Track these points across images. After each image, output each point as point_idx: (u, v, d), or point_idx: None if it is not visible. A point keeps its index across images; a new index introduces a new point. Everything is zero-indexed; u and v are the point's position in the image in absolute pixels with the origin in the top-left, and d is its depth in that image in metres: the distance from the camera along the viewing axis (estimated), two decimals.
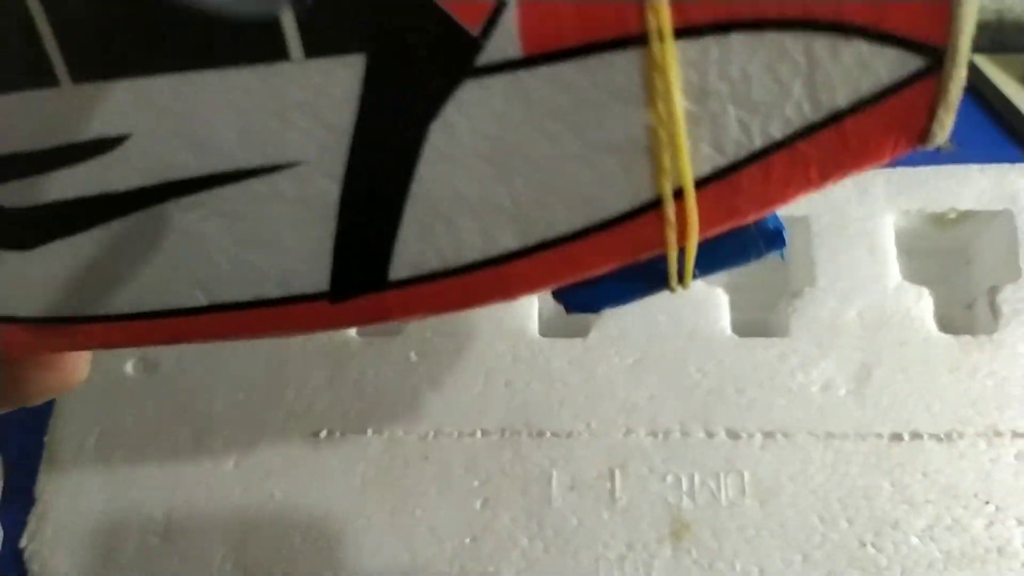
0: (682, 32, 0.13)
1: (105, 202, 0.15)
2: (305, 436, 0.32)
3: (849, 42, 0.14)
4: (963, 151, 0.56)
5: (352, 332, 0.34)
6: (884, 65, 0.14)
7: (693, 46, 0.14)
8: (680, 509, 0.31)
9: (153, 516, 0.32)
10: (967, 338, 0.32)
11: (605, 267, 0.16)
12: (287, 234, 0.15)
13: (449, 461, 0.32)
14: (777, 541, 0.30)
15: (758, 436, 0.31)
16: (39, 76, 0.13)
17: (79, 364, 0.20)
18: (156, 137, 0.14)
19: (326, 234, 0.15)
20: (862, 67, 0.14)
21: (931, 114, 0.14)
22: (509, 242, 0.15)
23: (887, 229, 0.32)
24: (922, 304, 0.32)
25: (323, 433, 0.33)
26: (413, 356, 0.33)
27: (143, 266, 0.15)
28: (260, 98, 0.14)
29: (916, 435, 0.31)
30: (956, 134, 0.46)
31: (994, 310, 0.32)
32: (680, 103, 0.14)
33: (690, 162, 0.14)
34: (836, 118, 0.14)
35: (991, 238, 0.35)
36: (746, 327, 0.33)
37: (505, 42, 0.14)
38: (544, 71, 0.14)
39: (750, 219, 0.16)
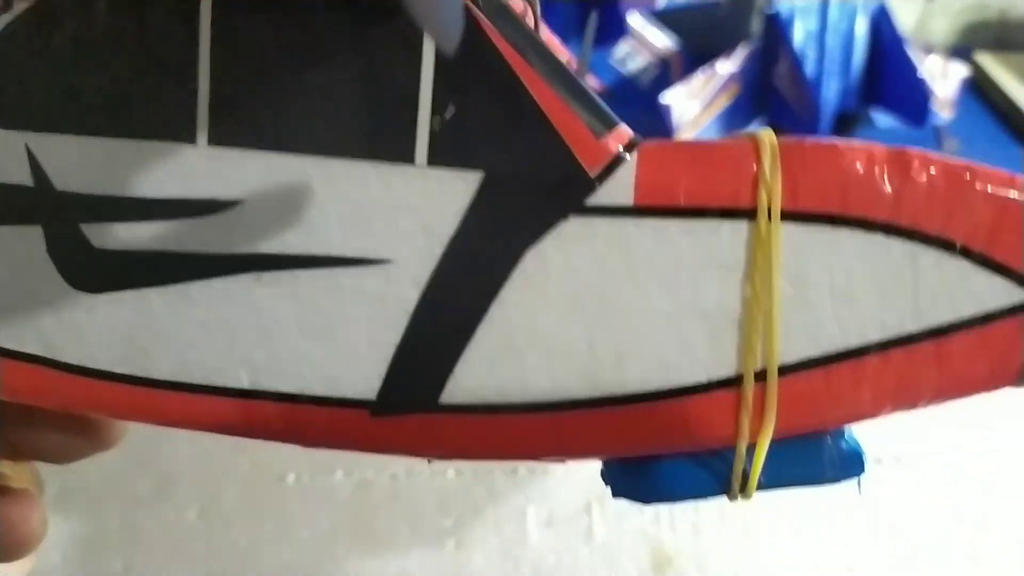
0: (792, 216, 0.14)
1: (194, 261, 0.14)
2: (271, 481, 0.32)
3: (955, 260, 0.14)
4: (969, 149, 0.57)
5: None
6: (988, 291, 0.14)
7: (800, 231, 0.14)
8: (661, 542, 0.29)
9: (112, 570, 0.30)
10: None
11: (668, 442, 0.15)
12: (354, 332, 0.15)
13: (420, 501, 0.31)
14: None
15: None
16: (181, 131, 0.14)
17: (120, 431, 0.19)
18: (266, 209, 0.14)
19: (392, 341, 0.14)
20: (966, 288, 0.14)
21: None
22: (575, 389, 0.14)
23: None
24: None
25: (290, 477, 0.32)
26: None
27: (200, 335, 0.15)
28: (374, 193, 0.14)
29: None
30: (961, 133, 0.56)
31: None
32: (779, 282, 0.14)
33: (778, 343, 0.14)
34: (935, 334, 0.14)
35: None
36: None
37: (619, 189, 0.14)
38: (650, 224, 0.14)
39: (831, 424, 0.15)
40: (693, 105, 0.55)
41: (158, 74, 0.14)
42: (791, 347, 0.14)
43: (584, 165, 0.14)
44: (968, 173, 0.14)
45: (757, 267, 0.14)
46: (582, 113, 0.14)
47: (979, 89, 0.65)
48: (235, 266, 0.14)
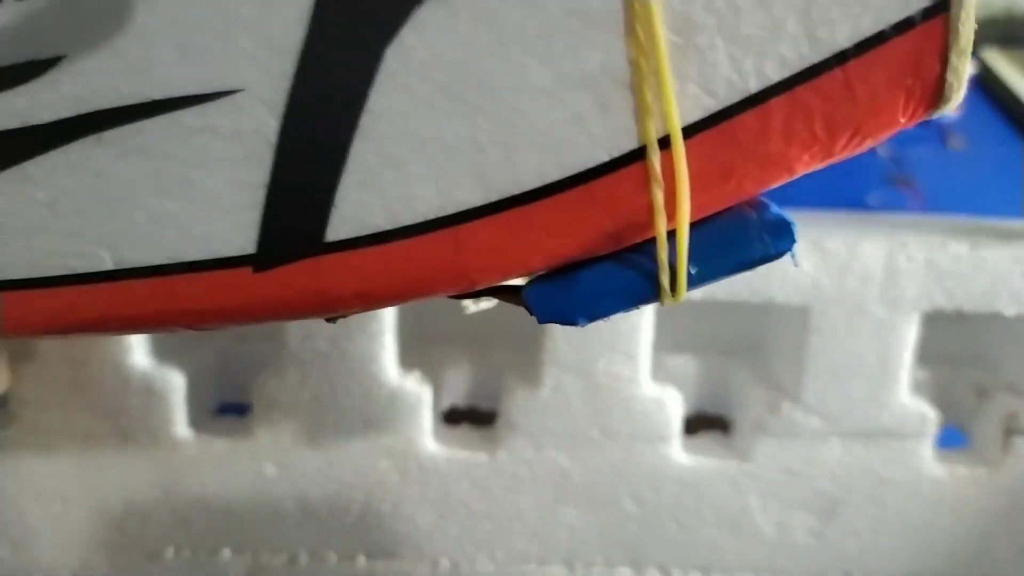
0: None
1: (23, 136, 0.13)
2: (141, 558, 0.27)
3: None
4: (974, 147, 0.54)
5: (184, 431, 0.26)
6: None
7: None
8: None
9: None
10: (962, 470, 0.26)
11: (581, 242, 0.13)
12: (215, 179, 0.13)
13: None
14: None
15: (695, 574, 0.26)
16: None
17: None
18: (91, 59, 0.13)
19: (259, 181, 0.13)
20: (862, 1, 0.12)
21: (943, 60, 0.13)
22: (467, 195, 0.13)
23: (907, 334, 0.24)
24: (925, 430, 0.25)
25: (168, 552, 0.27)
26: (270, 469, 0.26)
27: (49, 218, 0.13)
28: (204, 12, 0.12)
29: None
30: (967, 130, 0.52)
31: (1007, 439, 0.26)
32: (663, 33, 0.12)
33: (676, 102, 0.12)
34: (838, 59, 0.13)
35: (1007, 344, 0.27)
36: (697, 446, 0.26)
37: None
38: None
39: (750, 190, 0.13)
40: None
41: None
42: (689, 104, 0.13)
43: None
44: None
45: (637, 17, 0.12)
46: None
47: (984, 85, 0.61)
48: (69, 132, 0.13)
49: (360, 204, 0.13)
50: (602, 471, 0.26)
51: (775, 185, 0.13)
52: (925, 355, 0.26)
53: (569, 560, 0.26)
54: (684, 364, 0.28)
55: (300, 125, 0.13)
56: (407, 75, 0.12)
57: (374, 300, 0.14)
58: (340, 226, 0.13)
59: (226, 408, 0.29)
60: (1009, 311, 0.24)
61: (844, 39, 0.12)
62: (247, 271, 0.13)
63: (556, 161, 0.13)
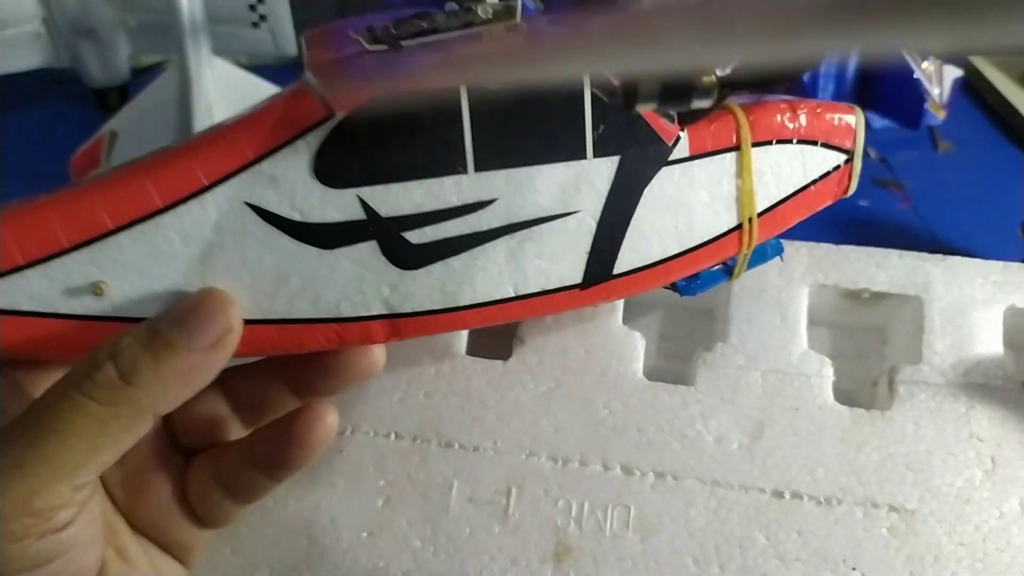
0: (754, 144, 0.27)
1: (475, 236, 0.25)
2: None
3: (816, 148, 0.29)
4: (963, 150, 0.58)
5: None
6: (831, 159, 0.29)
7: (757, 150, 0.27)
8: (566, 533, 0.32)
9: None
10: (860, 411, 0.33)
11: (710, 263, 0.29)
12: (565, 250, 0.26)
13: (361, 458, 0.34)
14: None
15: (650, 475, 0.33)
16: (457, 166, 0.24)
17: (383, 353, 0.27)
18: (511, 198, 0.24)
19: (583, 249, 0.26)
20: (823, 159, 0.29)
21: (848, 180, 0.30)
22: (673, 249, 0.27)
23: (801, 300, 0.35)
24: (823, 374, 0.34)
25: None
26: None
27: (483, 272, 0.25)
28: (568, 175, 0.25)
29: (797, 495, 0.32)
30: (955, 134, 0.62)
31: (892, 389, 0.34)
32: (751, 175, 0.28)
33: (755, 203, 0.28)
34: (813, 182, 0.29)
35: (901, 321, 0.37)
36: (657, 372, 0.35)
37: (681, 149, 0.26)
38: (698, 162, 0.27)
39: (772, 235, 0.30)
40: None
41: (440, 141, 0.23)
42: (759, 204, 0.28)
43: (670, 142, 0.26)
44: (818, 108, 0.29)
45: (744, 169, 0.27)
46: (663, 117, 0.26)
47: (973, 90, 0.64)
48: (498, 233, 0.25)
49: (629, 255, 0.27)
50: (584, 382, 0.35)
51: (783, 229, 0.30)
52: (842, 324, 0.36)
53: (553, 454, 0.34)
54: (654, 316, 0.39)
55: (605, 223, 0.26)
56: (652, 201, 0.26)
57: (630, 295, 0.29)
58: (620, 266, 0.27)
59: None
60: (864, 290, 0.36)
61: (816, 173, 0.29)
62: (576, 290, 0.27)
63: (709, 230, 0.28)
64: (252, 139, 0.22)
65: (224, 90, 0.53)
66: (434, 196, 0.23)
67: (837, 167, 0.29)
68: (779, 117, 0.28)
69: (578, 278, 0.26)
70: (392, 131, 0.22)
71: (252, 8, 0.52)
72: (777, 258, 0.32)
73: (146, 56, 0.64)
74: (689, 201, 0.27)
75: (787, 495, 0.32)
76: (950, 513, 0.31)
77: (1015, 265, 0.34)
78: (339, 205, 0.23)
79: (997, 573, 0.30)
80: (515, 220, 0.25)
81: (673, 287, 0.29)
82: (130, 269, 0.22)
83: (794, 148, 0.28)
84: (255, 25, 0.52)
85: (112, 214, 0.22)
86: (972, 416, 0.33)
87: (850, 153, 0.29)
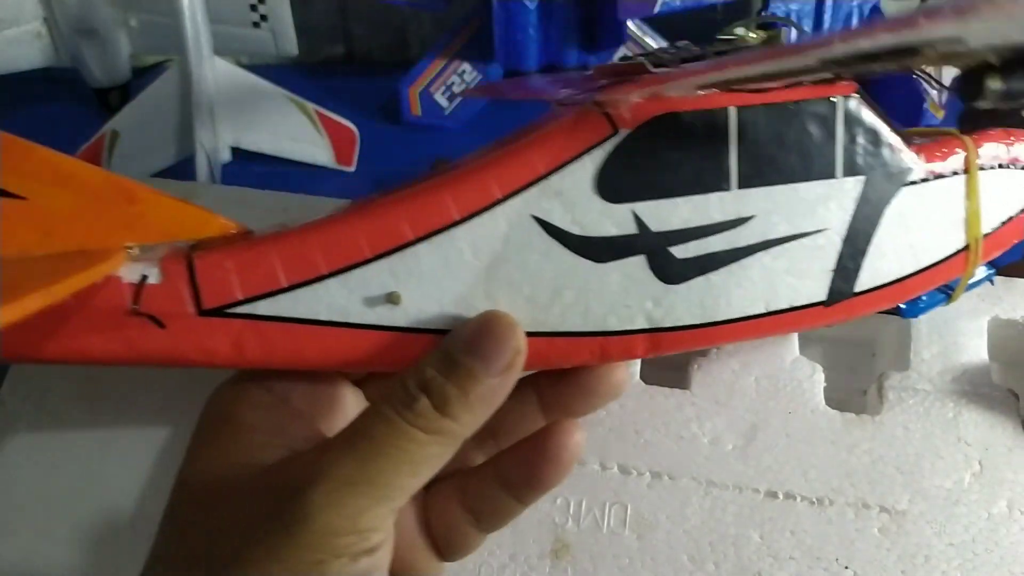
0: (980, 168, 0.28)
1: (733, 252, 0.25)
2: None
3: None
4: None
5: None
6: None
7: (983, 174, 0.28)
8: (564, 530, 0.33)
9: None
10: (851, 415, 0.34)
11: (936, 284, 0.29)
12: (812, 267, 0.26)
13: None
14: (648, 574, 0.32)
15: (647, 475, 0.34)
16: (722, 183, 0.25)
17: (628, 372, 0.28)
18: (767, 215, 0.25)
19: (829, 266, 0.26)
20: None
21: None
22: (908, 268, 0.27)
23: None
24: (814, 379, 0.35)
25: None
26: None
27: (733, 290, 0.26)
28: (819, 195, 0.26)
29: (790, 496, 0.33)
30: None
31: (881, 394, 0.35)
32: (980, 199, 0.28)
33: (981, 225, 0.28)
34: None
35: (888, 334, 0.38)
36: (653, 376, 0.36)
37: (919, 171, 0.27)
38: (933, 184, 0.27)
39: (993, 256, 0.29)
40: None
41: (709, 159, 0.25)
42: (986, 226, 0.29)
43: (909, 164, 0.27)
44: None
45: (972, 191, 0.28)
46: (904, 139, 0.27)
47: None
48: (755, 249, 0.25)
49: (869, 274, 0.27)
50: None
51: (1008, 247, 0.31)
52: (831, 338, 0.37)
53: None
54: None
55: (850, 240, 0.26)
56: (896, 220, 0.27)
57: (868, 314, 0.28)
58: (860, 285, 0.27)
59: None
60: None
61: (1022, 203, 0.29)
62: (821, 307, 0.27)
63: (939, 252, 0.28)
64: (544, 155, 0.23)
65: (225, 90, 0.54)
66: (700, 212, 0.24)
67: None
68: (999, 143, 0.29)
69: (823, 295, 0.26)
70: (667, 149, 0.24)
71: (253, 8, 0.52)
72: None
73: (147, 56, 0.64)
74: (923, 222, 0.27)
75: (780, 495, 0.33)
76: (940, 514, 0.32)
77: (998, 278, 0.35)
78: (615, 219, 0.24)
79: (986, 574, 0.31)
80: (771, 237, 0.25)
81: (896, 310, 0.30)
82: (424, 279, 0.23)
83: (1011, 173, 0.28)
84: (256, 25, 0.53)
85: (413, 225, 0.23)
86: (960, 421, 0.33)
87: None
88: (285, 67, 0.67)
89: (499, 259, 0.23)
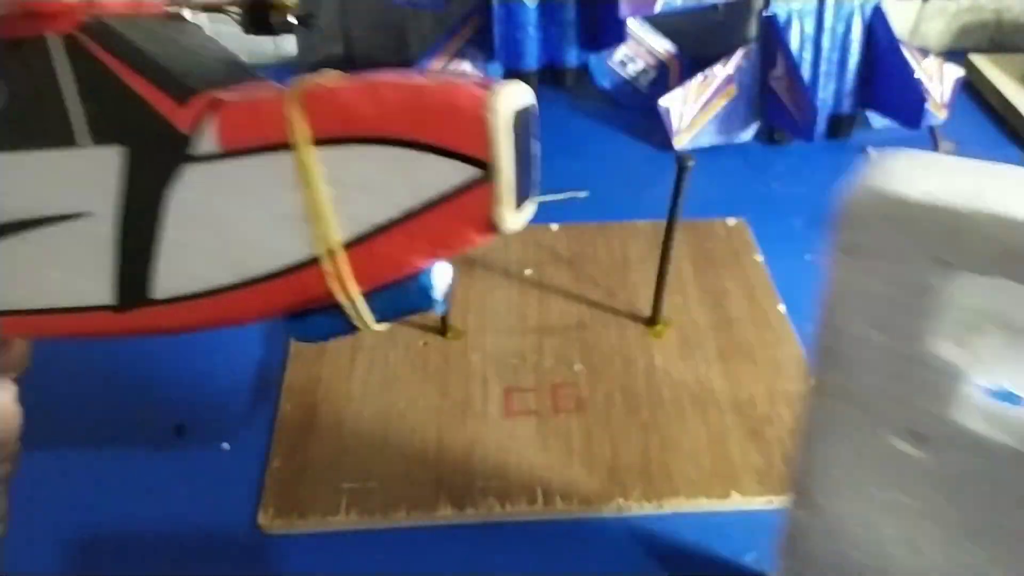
0: (320, 142, 0.21)
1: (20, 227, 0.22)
2: None
3: (423, 155, 0.20)
4: (963, 150, 0.58)
5: None
6: (449, 173, 0.20)
7: (327, 151, 0.21)
8: None
9: None
10: None
11: (294, 303, 0.23)
12: (84, 260, 0.22)
13: None
14: None
15: None
16: None
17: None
18: (9, 190, 0.22)
19: (108, 263, 0.22)
20: (436, 172, 0.20)
21: (493, 209, 0.20)
22: (226, 278, 0.22)
23: None
24: None
25: None
26: None
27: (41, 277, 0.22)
28: (67, 168, 0.21)
29: None
30: (956, 134, 0.60)
31: None
32: (322, 187, 0.21)
33: (336, 228, 0.21)
34: (427, 207, 0.21)
35: None
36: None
37: (209, 141, 0.21)
38: (235, 162, 0.21)
39: (391, 277, 0.22)
40: (691, 107, 0.57)
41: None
42: (343, 228, 0.21)
43: (178, 127, 0.21)
44: (419, 90, 0.20)
45: (305, 180, 0.20)
46: (168, 88, 0.20)
47: (974, 90, 0.64)
48: (8, 230, 0.21)
49: (169, 281, 0.22)
50: None
51: (409, 271, 0.22)
52: None
53: None
54: None
55: (127, 234, 0.22)
56: (182, 210, 0.22)
57: (187, 328, 0.23)
58: (160, 292, 0.23)
59: None
60: None
61: (430, 194, 0.20)
62: (110, 313, 0.23)
63: (277, 260, 0.22)
64: None
65: None
66: None
67: (468, 184, 0.20)
68: (365, 100, 0.20)
69: (109, 298, 0.22)
70: None
71: None
72: (437, 308, 0.24)
73: None
74: (234, 214, 0.21)
75: None
76: None
77: None
78: None
79: None
80: (24, 216, 0.21)
81: (289, 329, 0.24)
82: None
83: (392, 152, 0.20)
84: None
85: None
86: None
87: (485, 165, 0.20)
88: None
89: None
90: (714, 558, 0.34)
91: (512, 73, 0.62)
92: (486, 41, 0.60)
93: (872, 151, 0.58)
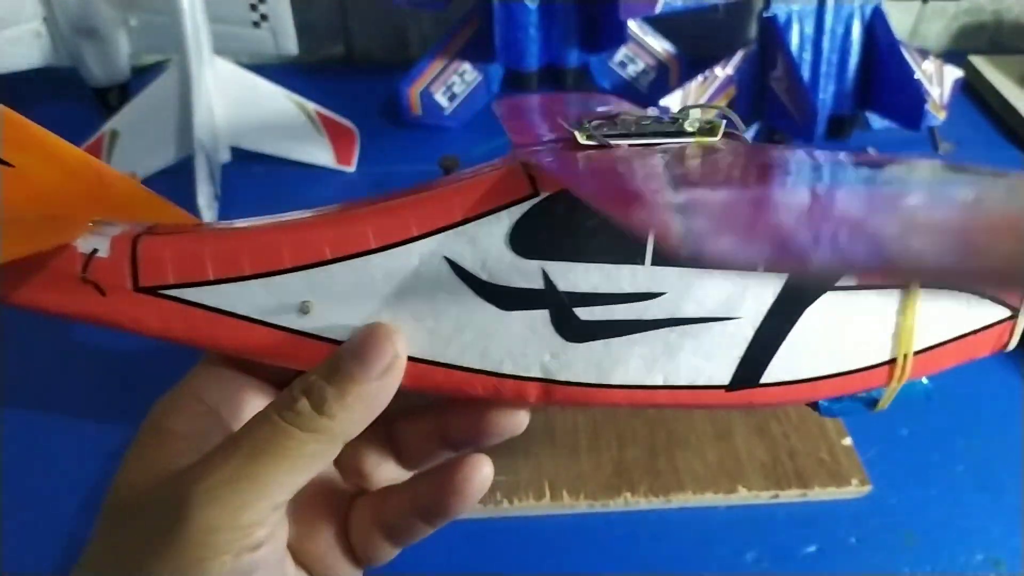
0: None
1: (637, 323, 0.25)
2: None
3: (983, 300, 0.27)
4: (963, 151, 0.59)
5: None
6: (995, 313, 0.27)
7: (927, 292, 0.26)
8: None
9: None
10: None
11: (857, 389, 0.27)
12: (719, 351, 0.25)
13: None
14: None
15: None
16: (636, 258, 0.24)
17: (527, 417, 0.27)
18: (678, 295, 0.25)
19: (737, 355, 0.25)
20: (987, 312, 0.27)
21: (1009, 336, 0.28)
22: (823, 369, 0.26)
23: None
24: None
25: None
26: None
27: (637, 356, 0.25)
28: (736, 286, 0.25)
29: None
30: (955, 134, 0.62)
31: None
32: (914, 316, 0.26)
33: (913, 344, 0.26)
34: (974, 332, 0.27)
35: None
36: None
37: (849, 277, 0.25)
38: (863, 292, 0.25)
39: (926, 374, 0.28)
40: None
41: (626, 234, 0.24)
42: (918, 343, 0.27)
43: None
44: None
45: (908, 307, 0.26)
46: None
47: (973, 91, 0.65)
48: (660, 324, 0.25)
49: (779, 368, 0.25)
50: None
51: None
52: None
53: None
54: None
55: (762, 334, 0.25)
56: (805, 321, 0.25)
57: (772, 406, 0.28)
58: (769, 377, 0.26)
59: None
60: None
61: (968, 327, 0.27)
62: (722, 391, 0.26)
63: (860, 358, 0.26)
64: (464, 203, 0.24)
65: (224, 90, 0.53)
66: (610, 280, 0.24)
67: (1000, 321, 0.28)
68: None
69: (726, 380, 0.26)
70: (585, 217, 0.24)
71: (253, 8, 0.52)
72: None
73: (147, 55, 0.64)
74: (847, 327, 0.26)
75: None
76: None
77: None
78: (524, 273, 0.24)
79: None
80: (678, 315, 0.25)
81: (815, 405, 0.29)
82: (335, 295, 0.24)
83: (961, 296, 0.27)
84: (256, 25, 0.53)
85: (333, 247, 0.24)
86: None
87: (1015, 310, 0.28)
88: (285, 67, 0.68)
89: (408, 289, 0.25)
90: (714, 557, 0.34)
91: (512, 74, 0.62)
92: (487, 42, 0.60)
93: (872, 151, 0.58)
